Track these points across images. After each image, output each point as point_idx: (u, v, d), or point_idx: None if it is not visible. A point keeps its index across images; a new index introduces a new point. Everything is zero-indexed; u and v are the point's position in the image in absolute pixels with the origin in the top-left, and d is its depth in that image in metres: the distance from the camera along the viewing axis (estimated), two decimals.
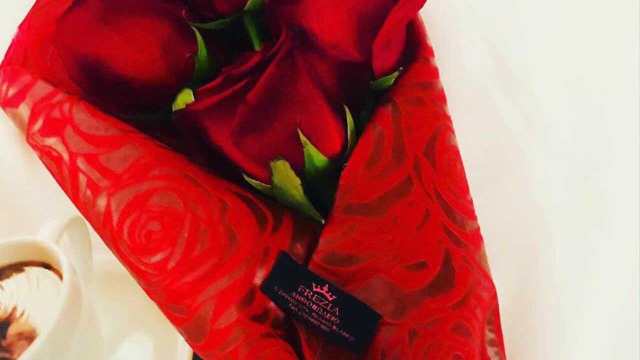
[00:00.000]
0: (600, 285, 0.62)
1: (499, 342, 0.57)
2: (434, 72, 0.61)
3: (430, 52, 0.61)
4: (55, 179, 0.58)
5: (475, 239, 0.57)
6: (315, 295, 0.52)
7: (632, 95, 0.72)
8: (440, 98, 0.60)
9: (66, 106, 0.58)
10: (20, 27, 0.64)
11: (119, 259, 0.55)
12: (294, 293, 0.52)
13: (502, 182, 0.67)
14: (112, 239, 0.54)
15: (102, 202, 0.54)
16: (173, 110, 0.58)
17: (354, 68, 0.55)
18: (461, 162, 0.59)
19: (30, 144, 0.59)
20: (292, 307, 0.52)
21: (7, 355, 0.57)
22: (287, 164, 0.53)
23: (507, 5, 0.77)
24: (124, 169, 0.55)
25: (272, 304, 0.52)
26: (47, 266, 0.62)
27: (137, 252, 0.53)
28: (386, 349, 0.52)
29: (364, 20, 0.56)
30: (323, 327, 0.52)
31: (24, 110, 0.59)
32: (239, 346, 0.51)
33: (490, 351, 0.56)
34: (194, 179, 0.54)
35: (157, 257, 0.52)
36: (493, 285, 0.57)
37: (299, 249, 0.54)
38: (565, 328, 0.61)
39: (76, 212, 0.58)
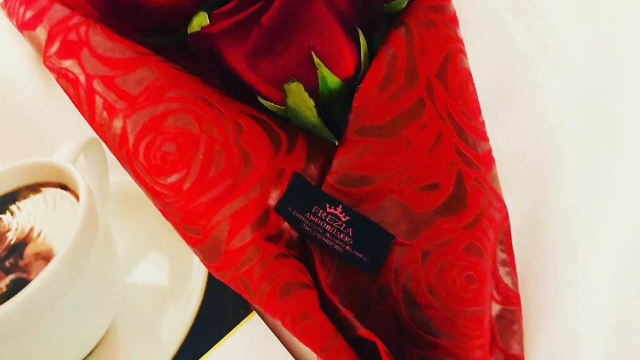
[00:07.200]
0: (611, 207, 0.62)
1: (510, 263, 0.57)
2: None
3: None
4: (72, 102, 0.58)
5: (487, 160, 0.57)
6: (329, 216, 0.52)
7: None
8: (453, 21, 0.60)
9: (83, 29, 0.58)
10: None
11: (135, 181, 0.56)
12: (308, 214, 0.53)
13: (514, 104, 0.66)
14: (128, 160, 0.55)
15: (118, 124, 0.55)
16: (189, 33, 0.57)
17: None
18: (473, 84, 0.59)
19: (47, 66, 0.59)
20: (306, 228, 0.53)
21: (24, 276, 0.57)
22: (301, 87, 0.53)
23: None
24: (140, 91, 0.55)
25: (286, 225, 0.53)
26: (64, 187, 0.62)
27: (153, 173, 0.54)
28: (399, 269, 0.52)
29: None
30: (337, 247, 0.52)
31: (41, 33, 0.59)
32: (254, 266, 0.52)
33: (502, 271, 0.57)
34: (210, 101, 0.55)
35: (172, 179, 0.53)
36: (505, 206, 0.57)
37: (313, 170, 0.54)
38: (577, 249, 0.61)
39: (93, 134, 0.59)
